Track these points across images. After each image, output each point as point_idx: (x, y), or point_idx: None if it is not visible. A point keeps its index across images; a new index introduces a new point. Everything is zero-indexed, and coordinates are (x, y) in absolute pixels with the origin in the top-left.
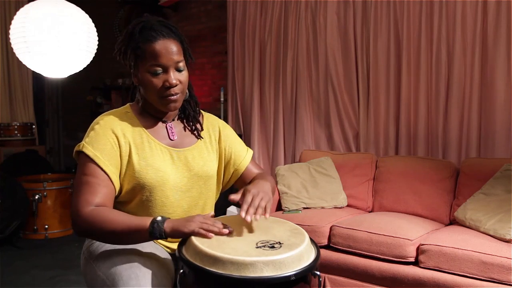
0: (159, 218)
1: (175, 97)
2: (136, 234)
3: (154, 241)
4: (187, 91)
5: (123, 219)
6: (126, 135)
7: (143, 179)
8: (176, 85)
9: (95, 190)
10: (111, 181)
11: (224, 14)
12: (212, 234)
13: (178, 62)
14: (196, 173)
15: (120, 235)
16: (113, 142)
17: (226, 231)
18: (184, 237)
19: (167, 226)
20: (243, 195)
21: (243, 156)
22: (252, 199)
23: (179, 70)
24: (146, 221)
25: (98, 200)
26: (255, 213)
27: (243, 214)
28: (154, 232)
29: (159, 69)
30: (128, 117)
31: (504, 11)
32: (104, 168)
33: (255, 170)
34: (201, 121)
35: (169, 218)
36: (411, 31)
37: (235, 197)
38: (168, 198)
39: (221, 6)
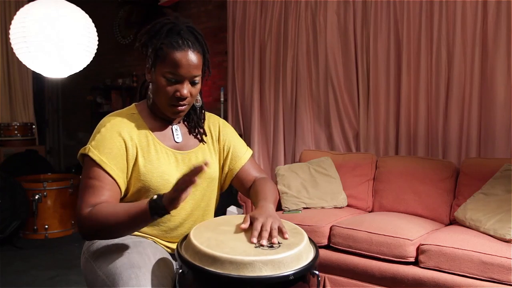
0: (155, 197)
1: (182, 108)
2: (139, 218)
3: (154, 241)
4: (199, 98)
5: (121, 208)
6: (133, 138)
7: (148, 182)
8: (186, 98)
9: (99, 192)
10: (117, 184)
11: (224, 14)
12: (197, 179)
13: (195, 76)
14: (199, 176)
15: (125, 224)
16: (120, 145)
17: (203, 165)
18: (179, 198)
19: (164, 199)
20: (251, 222)
21: (240, 157)
22: (262, 225)
23: (193, 83)
24: (143, 204)
25: (99, 202)
26: (270, 237)
27: (254, 240)
28: (156, 209)
29: (175, 78)
30: (134, 118)
31: (504, 11)
32: (110, 172)
33: (253, 172)
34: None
35: (162, 194)
36: (411, 31)
37: (244, 225)
38: None
39: (221, 6)
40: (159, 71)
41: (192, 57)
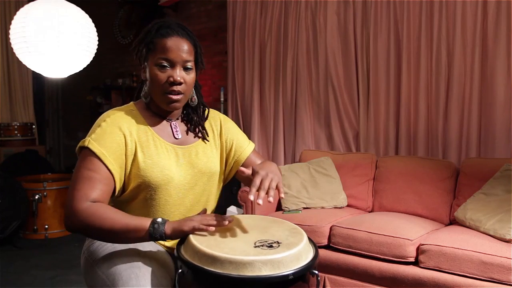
0: (159, 220)
1: (177, 96)
2: (135, 234)
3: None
4: (195, 96)
5: (122, 217)
6: (132, 133)
7: (148, 178)
8: (180, 83)
9: (95, 185)
10: (114, 179)
11: (224, 14)
12: (213, 228)
13: (187, 61)
14: (200, 170)
15: (118, 233)
16: (120, 140)
17: (225, 222)
18: (184, 236)
19: (167, 227)
20: (252, 175)
21: (244, 148)
22: (262, 181)
23: (186, 70)
24: (145, 222)
25: (95, 196)
26: (267, 195)
27: (251, 197)
28: (154, 233)
29: (167, 64)
30: (134, 115)
31: (504, 11)
32: (109, 166)
33: (258, 161)
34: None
35: (168, 220)
36: (411, 31)
37: (246, 170)
38: (171, 197)
39: (221, 6)
40: (151, 61)
41: (182, 42)
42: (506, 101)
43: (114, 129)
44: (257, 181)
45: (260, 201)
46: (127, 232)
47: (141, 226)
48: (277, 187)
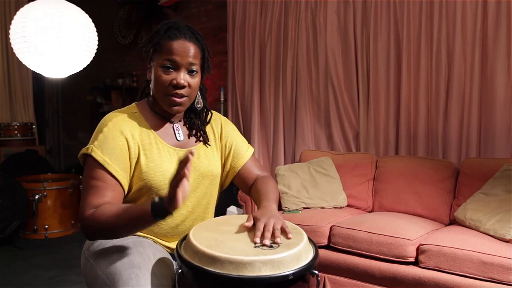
0: (156, 199)
1: (180, 99)
2: (141, 221)
3: (154, 241)
4: (200, 100)
5: (123, 211)
6: (135, 136)
7: (150, 181)
8: (183, 87)
9: (101, 193)
10: (121, 184)
11: (224, 14)
12: (187, 171)
13: (192, 64)
14: (201, 173)
15: (126, 226)
16: (122, 145)
17: (189, 155)
18: (176, 195)
19: (166, 201)
20: (254, 222)
21: (242, 154)
22: (265, 225)
23: (191, 73)
24: (145, 206)
25: (102, 202)
26: (274, 237)
27: (258, 240)
28: (158, 210)
29: (171, 66)
30: (136, 117)
31: (504, 11)
32: (114, 172)
33: (254, 170)
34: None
35: (159, 197)
36: (411, 31)
37: (248, 224)
38: None
39: (221, 6)
40: (156, 63)
41: (188, 45)
42: (506, 101)
43: (116, 134)
44: (260, 226)
45: (267, 241)
46: (133, 223)
47: (143, 212)
48: (283, 229)
